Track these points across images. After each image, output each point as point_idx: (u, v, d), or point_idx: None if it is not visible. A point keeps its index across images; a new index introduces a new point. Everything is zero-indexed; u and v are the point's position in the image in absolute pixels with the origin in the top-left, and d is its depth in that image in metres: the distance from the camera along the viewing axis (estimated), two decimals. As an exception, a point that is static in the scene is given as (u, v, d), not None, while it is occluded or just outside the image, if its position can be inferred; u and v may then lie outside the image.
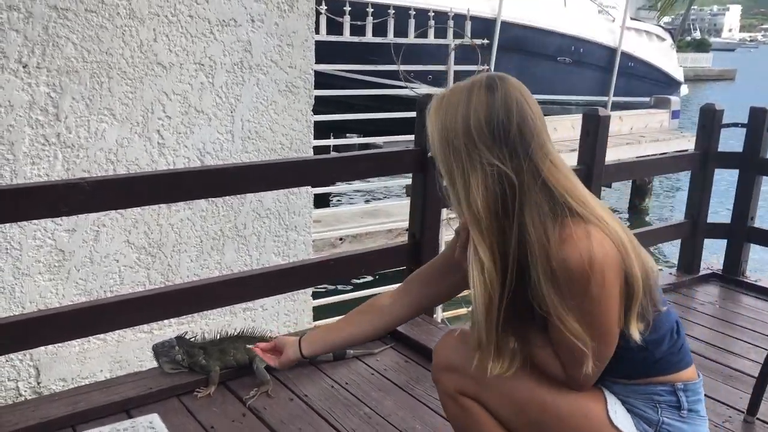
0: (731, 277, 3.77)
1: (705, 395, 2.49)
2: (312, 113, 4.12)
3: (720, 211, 7.20)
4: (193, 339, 2.53)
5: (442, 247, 2.32)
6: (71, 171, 3.34)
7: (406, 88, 6.88)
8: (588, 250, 1.35)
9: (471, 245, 1.45)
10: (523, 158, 1.39)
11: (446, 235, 2.81)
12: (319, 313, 4.55)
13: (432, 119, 1.46)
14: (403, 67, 6.84)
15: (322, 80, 4.65)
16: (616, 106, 12.84)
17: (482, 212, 1.40)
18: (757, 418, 2.36)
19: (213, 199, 3.71)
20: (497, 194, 1.39)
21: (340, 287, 7.16)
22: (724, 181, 5.84)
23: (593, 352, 1.44)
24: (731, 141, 3.81)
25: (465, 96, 1.42)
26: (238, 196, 3.79)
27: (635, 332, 1.42)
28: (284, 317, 4.16)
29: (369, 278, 6.82)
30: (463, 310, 5.75)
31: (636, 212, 12.53)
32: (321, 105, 4.51)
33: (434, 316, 3.55)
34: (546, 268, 1.38)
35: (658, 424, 1.52)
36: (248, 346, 2.29)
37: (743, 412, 2.39)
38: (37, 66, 3.18)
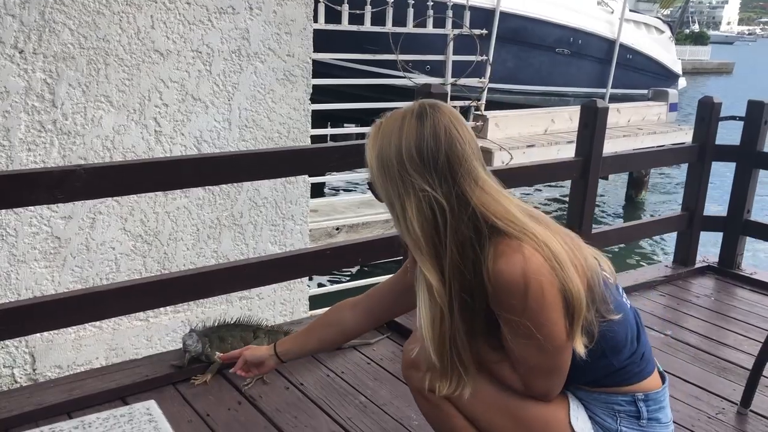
0: (727, 269, 3.78)
1: (699, 387, 2.53)
2: (310, 102, 4.11)
3: (717, 202, 7.22)
4: (197, 327, 2.54)
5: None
6: (67, 158, 3.33)
7: (404, 77, 6.87)
8: (520, 263, 1.37)
9: (417, 266, 1.49)
10: (452, 184, 1.42)
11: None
12: (315, 302, 4.55)
13: (370, 146, 1.50)
14: (401, 57, 6.83)
15: (320, 69, 4.64)
16: (614, 98, 12.79)
17: (419, 236, 1.44)
18: (751, 410, 2.38)
19: (210, 187, 3.70)
20: (430, 219, 1.43)
21: (336, 277, 7.17)
22: (723, 175, 5.85)
23: (547, 364, 1.46)
24: (730, 135, 3.82)
25: (398, 124, 1.46)
26: (235, 184, 3.78)
27: (579, 347, 1.43)
28: (280, 306, 4.17)
29: (365, 268, 6.83)
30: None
31: (632, 205, 12.55)
32: (318, 94, 4.50)
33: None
34: (484, 286, 1.41)
35: None
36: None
37: (737, 404, 2.41)
38: (33, 52, 3.16)
